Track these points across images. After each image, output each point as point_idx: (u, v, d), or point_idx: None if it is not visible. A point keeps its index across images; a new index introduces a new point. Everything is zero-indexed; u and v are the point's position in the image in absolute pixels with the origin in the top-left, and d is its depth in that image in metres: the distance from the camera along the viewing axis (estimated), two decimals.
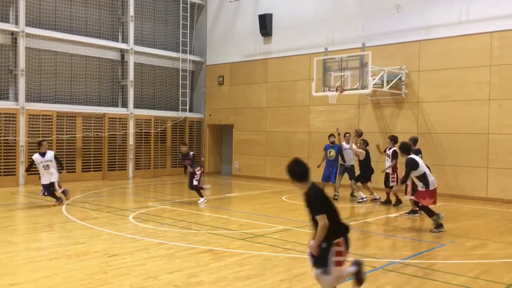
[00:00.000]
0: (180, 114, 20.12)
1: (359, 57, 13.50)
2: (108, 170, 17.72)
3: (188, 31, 20.40)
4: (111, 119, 17.91)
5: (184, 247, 7.46)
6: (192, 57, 20.67)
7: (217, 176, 20.07)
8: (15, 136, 15.32)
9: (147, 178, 18.47)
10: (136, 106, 18.79)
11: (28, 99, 15.88)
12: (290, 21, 17.69)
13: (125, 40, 18.59)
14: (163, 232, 8.47)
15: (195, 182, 12.06)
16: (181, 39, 20.21)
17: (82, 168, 17.11)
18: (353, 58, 13.70)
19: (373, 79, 13.61)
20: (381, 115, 15.46)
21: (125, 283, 5.67)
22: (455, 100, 13.90)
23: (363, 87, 13.44)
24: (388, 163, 11.81)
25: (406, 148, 9.22)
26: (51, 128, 16.25)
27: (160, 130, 19.43)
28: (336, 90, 13.80)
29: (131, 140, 18.42)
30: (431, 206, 8.90)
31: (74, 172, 16.77)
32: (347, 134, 12.96)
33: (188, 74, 20.62)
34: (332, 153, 12.95)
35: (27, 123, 15.67)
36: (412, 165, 8.85)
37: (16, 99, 15.70)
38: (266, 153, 18.47)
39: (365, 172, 12.49)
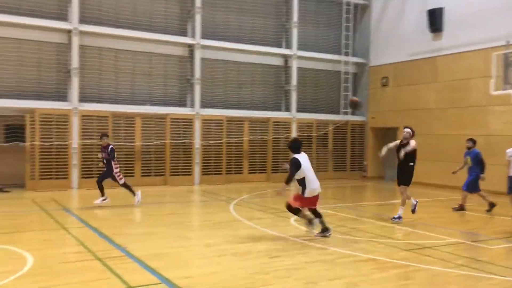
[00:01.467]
0: (342, 118, 19.91)
1: None
2: (271, 172, 18.38)
3: (350, 33, 20.09)
4: (275, 123, 18.55)
5: (345, 254, 7.25)
6: (355, 59, 20.30)
7: (380, 181, 19.34)
8: (191, 139, 16.83)
9: None
10: (298, 110, 19.14)
11: (202, 105, 17.33)
12: (464, 13, 16.18)
13: (288, 45, 19.09)
14: (324, 237, 8.38)
15: (121, 181, 11.46)
16: (343, 41, 20.01)
17: (249, 170, 18.07)
18: None
19: None
20: None
21: (286, 286, 5.70)
22: None
23: None
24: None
25: (295, 147, 8.55)
26: (222, 131, 17.50)
27: (322, 134, 19.48)
28: None
29: None
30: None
31: (241, 173, 17.82)
32: None
33: (350, 76, 20.32)
34: (468, 160, 11.65)
35: (202, 127, 17.11)
36: (295, 165, 8.17)
37: (192, 105, 17.27)
38: (433, 158, 17.12)
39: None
